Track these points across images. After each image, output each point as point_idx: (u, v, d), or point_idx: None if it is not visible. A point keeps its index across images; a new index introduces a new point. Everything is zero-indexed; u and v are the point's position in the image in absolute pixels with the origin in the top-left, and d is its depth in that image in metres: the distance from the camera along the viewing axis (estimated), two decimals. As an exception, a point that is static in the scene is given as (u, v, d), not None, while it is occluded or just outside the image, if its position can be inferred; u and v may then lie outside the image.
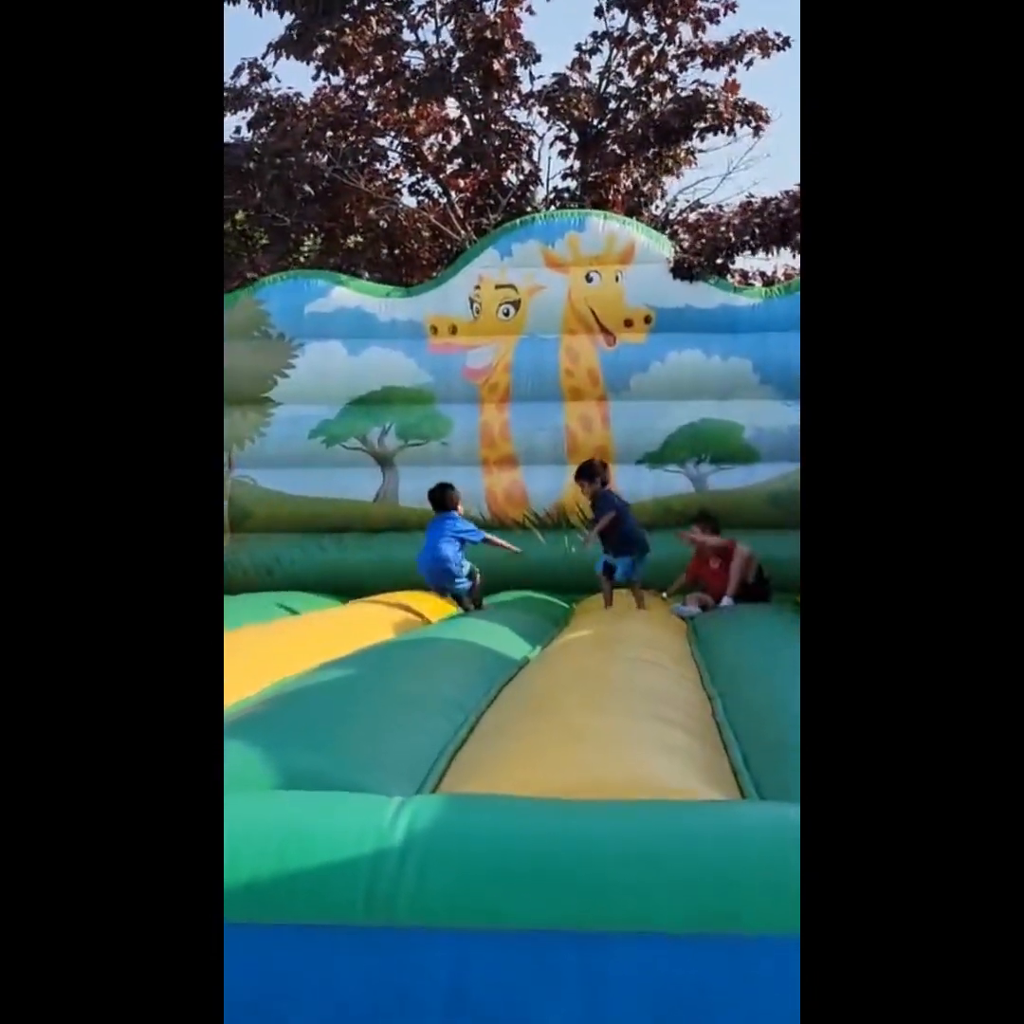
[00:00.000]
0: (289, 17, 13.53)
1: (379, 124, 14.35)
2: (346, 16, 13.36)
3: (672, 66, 13.97)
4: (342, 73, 14.01)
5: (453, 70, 13.45)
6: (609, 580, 8.10)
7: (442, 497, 8.22)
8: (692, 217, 14.54)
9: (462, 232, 13.65)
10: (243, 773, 2.35)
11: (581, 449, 9.92)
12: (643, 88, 13.83)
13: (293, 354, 10.21)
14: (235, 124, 14.43)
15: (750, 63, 13.70)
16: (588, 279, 9.97)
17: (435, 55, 13.69)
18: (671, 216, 15.18)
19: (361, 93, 14.50)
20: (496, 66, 12.85)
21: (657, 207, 15.35)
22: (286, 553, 10.20)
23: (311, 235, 14.60)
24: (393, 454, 10.08)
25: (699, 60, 13.81)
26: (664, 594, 8.75)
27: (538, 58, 13.54)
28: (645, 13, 13.63)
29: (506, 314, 10.05)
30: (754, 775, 2.87)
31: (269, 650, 4.66)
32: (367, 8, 13.60)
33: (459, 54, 13.52)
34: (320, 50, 13.65)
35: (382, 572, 9.62)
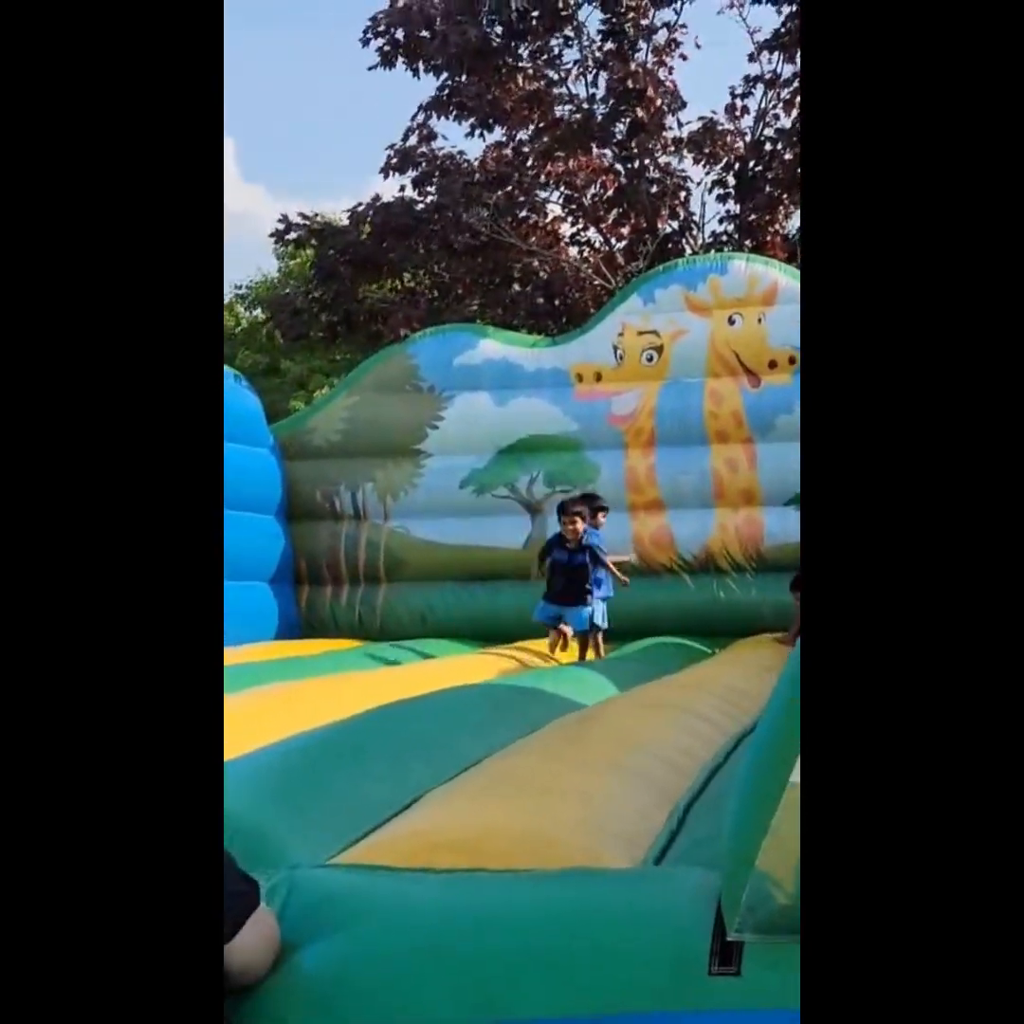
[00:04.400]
0: (443, 76, 13.94)
1: (542, 177, 14.64)
2: (502, 73, 13.72)
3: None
4: (499, 128, 14.37)
5: (598, 120, 13.65)
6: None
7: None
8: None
9: (613, 280, 13.79)
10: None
11: (727, 492, 9.88)
12: (798, 128, 13.78)
13: (443, 406, 10.41)
14: (400, 183, 14.89)
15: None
16: (730, 322, 9.95)
17: (584, 107, 13.92)
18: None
19: (525, 149, 14.80)
20: (640, 114, 12.98)
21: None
22: (439, 601, 10.36)
23: (473, 289, 14.93)
24: (541, 501, 10.17)
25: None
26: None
27: (684, 104, 13.65)
28: (797, 54, 13.59)
29: (649, 360, 10.09)
30: (676, 832, 2.85)
31: (337, 697, 4.78)
32: (518, 64, 13.91)
33: (605, 104, 13.73)
34: (470, 108, 13.99)
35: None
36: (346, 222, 15.25)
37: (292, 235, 15.77)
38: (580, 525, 8.40)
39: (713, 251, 13.80)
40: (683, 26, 13.76)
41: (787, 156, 13.89)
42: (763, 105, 14.03)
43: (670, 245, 14.31)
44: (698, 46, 13.74)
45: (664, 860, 2.63)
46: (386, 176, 14.95)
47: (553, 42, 13.93)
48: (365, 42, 13.95)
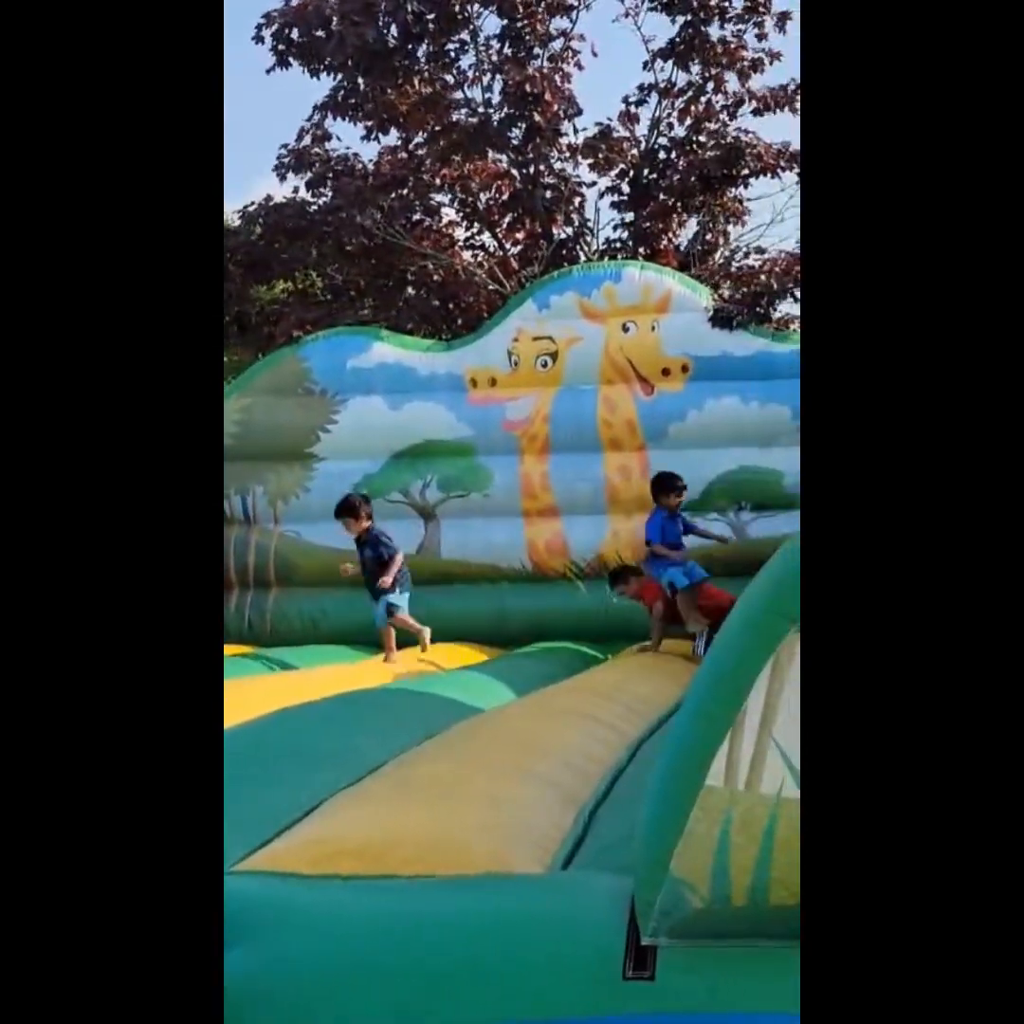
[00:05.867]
0: (339, 77, 13.85)
1: (436, 181, 14.60)
2: (397, 76, 13.65)
3: (723, 115, 14.06)
4: (395, 132, 14.32)
5: (494, 124, 13.67)
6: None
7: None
8: (744, 264, 14.59)
9: (507, 285, 13.81)
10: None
11: (621, 499, 9.94)
12: (692, 137, 13.93)
13: (336, 410, 10.32)
14: (293, 185, 14.74)
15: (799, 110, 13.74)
16: (624, 329, 10.00)
17: (480, 111, 13.93)
18: (734, 265, 15.17)
19: (419, 152, 14.75)
20: (536, 119, 13.03)
21: (721, 256, 15.34)
22: (333, 607, 10.26)
23: (367, 291, 14.83)
24: (434, 507, 10.15)
25: (749, 108, 13.90)
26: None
27: (580, 111, 13.73)
28: (691, 63, 13.73)
29: (544, 365, 10.11)
30: (581, 833, 2.85)
31: (231, 702, 4.70)
32: (414, 68, 13.87)
33: (501, 109, 13.76)
34: (365, 110, 13.93)
35: (426, 625, 9.65)
36: (237, 222, 15.07)
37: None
38: (359, 524, 8.44)
39: (607, 258, 13.86)
40: (581, 37, 13.84)
41: (681, 164, 14.02)
42: (657, 114, 14.16)
43: (564, 251, 14.34)
44: (594, 54, 13.85)
45: (571, 864, 2.62)
46: (281, 177, 14.80)
47: (449, 46, 13.91)
48: (258, 39, 13.79)
